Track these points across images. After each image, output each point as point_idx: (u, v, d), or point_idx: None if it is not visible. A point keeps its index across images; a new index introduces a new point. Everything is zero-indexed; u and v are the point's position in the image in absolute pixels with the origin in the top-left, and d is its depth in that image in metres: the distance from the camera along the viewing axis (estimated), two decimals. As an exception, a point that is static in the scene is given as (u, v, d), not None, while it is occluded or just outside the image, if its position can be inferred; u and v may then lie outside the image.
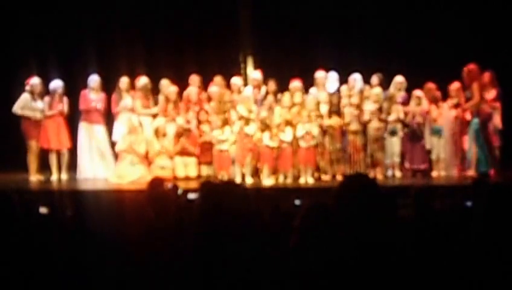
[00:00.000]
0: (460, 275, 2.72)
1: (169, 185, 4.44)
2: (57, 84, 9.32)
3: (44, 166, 9.37)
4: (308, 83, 9.24)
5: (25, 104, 9.13)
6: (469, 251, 2.88)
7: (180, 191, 5.57)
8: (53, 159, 9.30)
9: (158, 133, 9.03)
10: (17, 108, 9.14)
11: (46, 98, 9.25)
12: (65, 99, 9.34)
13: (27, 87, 9.18)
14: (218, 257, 2.37)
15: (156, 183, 4.62)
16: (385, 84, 9.09)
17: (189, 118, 9.17)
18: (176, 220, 3.60)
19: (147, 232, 3.48)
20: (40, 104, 9.19)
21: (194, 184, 8.31)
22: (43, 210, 4.68)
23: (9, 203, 3.43)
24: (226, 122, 8.83)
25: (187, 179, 8.88)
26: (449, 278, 2.71)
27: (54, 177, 9.26)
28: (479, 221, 3.24)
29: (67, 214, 4.94)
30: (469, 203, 4.08)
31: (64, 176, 9.32)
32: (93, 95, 9.36)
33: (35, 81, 9.23)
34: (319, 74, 9.26)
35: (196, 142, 9.07)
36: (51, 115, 9.20)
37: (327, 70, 9.28)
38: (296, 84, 9.04)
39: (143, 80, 9.40)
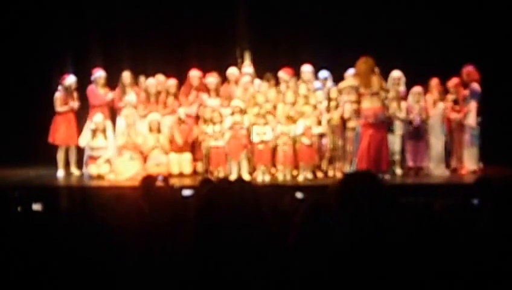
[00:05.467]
0: (465, 273, 2.65)
1: (159, 179, 4.36)
2: (70, 79, 9.24)
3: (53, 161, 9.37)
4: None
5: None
6: (475, 249, 2.81)
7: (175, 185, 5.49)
8: (61, 155, 9.21)
9: (152, 128, 8.88)
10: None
11: (57, 94, 9.19)
12: (75, 94, 9.28)
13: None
14: (216, 253, 2.30)
15: (148, 181, 4.56)
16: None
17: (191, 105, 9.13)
18: (170, 216, 3.54)
19: (143, 229, 3.40)
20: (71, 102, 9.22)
21: (188, 181, 8.24)
22: (36, 207, 4.61)
23: (6, 199, 3.37)
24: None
25: (181, 175, 8.79)
26: (453, 276, 2.63)
27: (60, 173, 9.15)
28: (487, 219, 3.15)
29: (61, 209, 4.87)
30: (475, 201, 3.98)
31: (75, 171, 9.26)
32: (100, 90, 9.27)
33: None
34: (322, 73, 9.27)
35: (187, 136, 8.96)
36: (64, 111, 9.15)
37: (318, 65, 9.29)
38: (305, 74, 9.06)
39: (150, 82, 9.33)
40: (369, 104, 7.94)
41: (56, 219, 3.95)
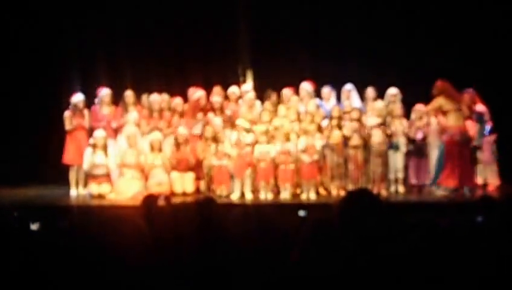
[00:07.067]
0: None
1: (162, 198, 4.32)
2: (78, 98, 9.23)
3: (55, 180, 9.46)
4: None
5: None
6: (478, 265, 2.78)
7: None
8: (72, 174, 9.17)
9: (154, 147, 8.85)
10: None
11: (67, 112, 9.18)
12: (86, 112, 9.24)
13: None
14: (218, 271, 2.28)
15: (149, 200, 4.52)
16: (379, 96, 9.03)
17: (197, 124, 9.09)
18: (172, 235, 3.51)
19: (143, 249, 3.37)
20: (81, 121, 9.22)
21: (191, 200, 8.15)
22: (34, 227, 4.57)
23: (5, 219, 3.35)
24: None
25: (184, 194, 8.72)
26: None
27: (73, 192, 9.12)
28: (491, 237, 3.11)
29: (60, 228, 4.82)
30: (479, 219, 3.94)
31: (83, 191, 9.18)
32: (105, 109, 9.25)
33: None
34: (325, 89, 9.28)
35: (195, 155, 8.91)
36: (72, 130, 9.13)
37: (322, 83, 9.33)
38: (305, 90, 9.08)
39: (154, 98, 9.32)
40: (455, 122, 8.26)
41: (54, 239, 3.92)
